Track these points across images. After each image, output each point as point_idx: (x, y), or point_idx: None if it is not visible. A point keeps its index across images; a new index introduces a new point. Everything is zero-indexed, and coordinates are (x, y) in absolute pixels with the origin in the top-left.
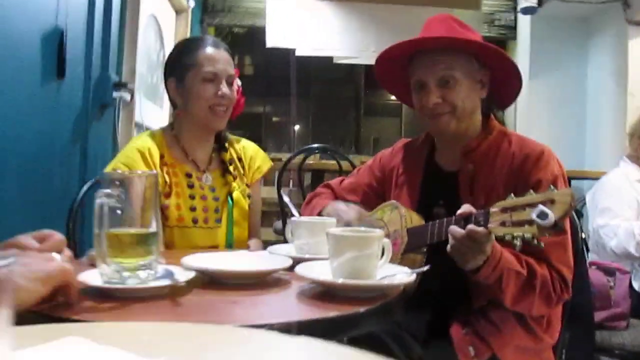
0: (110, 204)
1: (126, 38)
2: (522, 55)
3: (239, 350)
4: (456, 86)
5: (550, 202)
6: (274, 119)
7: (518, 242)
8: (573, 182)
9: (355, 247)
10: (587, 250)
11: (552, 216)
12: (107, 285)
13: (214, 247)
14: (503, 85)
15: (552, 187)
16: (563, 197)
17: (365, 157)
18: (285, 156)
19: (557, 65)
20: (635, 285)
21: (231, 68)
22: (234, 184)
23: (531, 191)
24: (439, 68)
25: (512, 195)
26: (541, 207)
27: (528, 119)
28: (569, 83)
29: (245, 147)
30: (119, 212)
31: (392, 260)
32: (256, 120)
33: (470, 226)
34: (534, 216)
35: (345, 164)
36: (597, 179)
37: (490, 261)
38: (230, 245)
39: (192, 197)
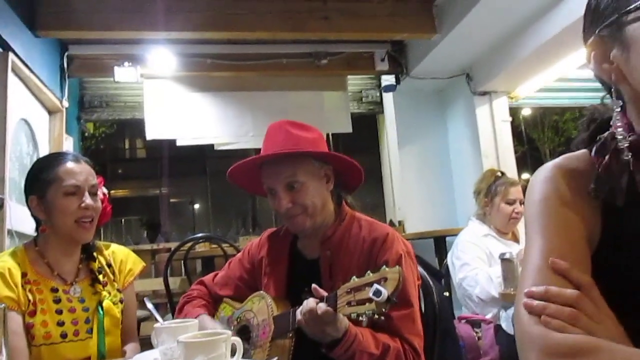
0: None
1: None
2: (390, 127)
3: None
4: (302, 188)
5: (384, 280)
6: (172, 199)
7: (364, 319)
8: (448, 238)
9: (203, 351)
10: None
11: (385, 293)
12: None
13: (87, 359)
14: (347, 173)
15: (384, 266)
16: (393, 275)
17: (257, 237)
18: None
19: (422, 134)
20: (504, 325)
21: (93, 178)
22: (104, 293)
23: (369, 272)
24: (283, 176)
25: (355, 276)
26: (376, 285)
27: (402, 186)
28: (434, 150)
29: (115, 252)
30: None
31: (262, 347)
32: (153, 203)
33: (320, 304)
34: (370, 294)
35: (230, 250)
36: None
37: (343, 343)
38: (103, 356)
39: (59, 312)
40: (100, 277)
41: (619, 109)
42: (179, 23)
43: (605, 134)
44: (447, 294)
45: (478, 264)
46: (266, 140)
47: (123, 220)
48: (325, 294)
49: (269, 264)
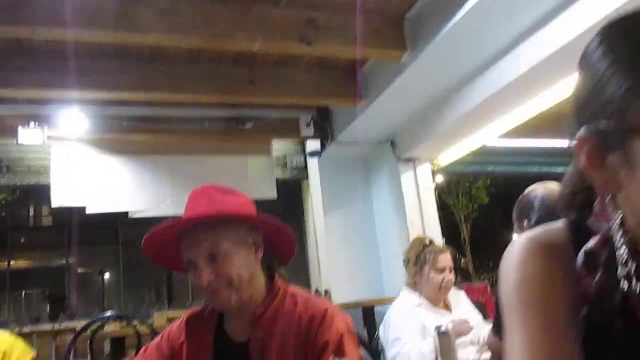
0: None
1: None
2: (315, 193)
3: None
4: (226, 258)
5: None
6: (79, 270)
7: None
8: (376, 308)
9: None
10: None
11: None
12: None
13: None
14: (279, 242)
15: (332, 357)
16: None
17: (174, 312)
18: (81, 324)
19: (347, 200)
20: None
21: None
22: None
23: None
24: (204, 246)
25: None
26: None
27: (328, 254)
28: (359, 217)
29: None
30: None
31: None
32: (58, 274)
33: None
34: None
35: (143, 329)
36: None
37: None
38: None
39: None
40: None
41: (619, 222)
42: (93, 83)
43: (593, 242)
44: None
45: (410, 337)
46: (187, 208)
47: (24, 293)
48: None
49: (190, 350)
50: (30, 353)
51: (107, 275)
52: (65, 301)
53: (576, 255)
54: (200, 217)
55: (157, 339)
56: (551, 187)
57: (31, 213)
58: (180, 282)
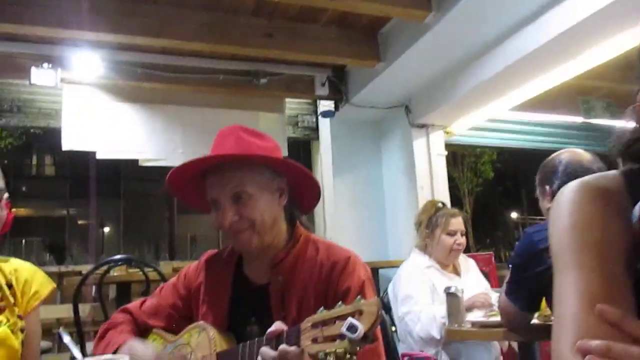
0: None
1: None
2: (325, 154)
3: None
4: (251, 201)
5: (359, 314)
6: (80, 221)
7: (332, 359)
8: (380, 271)
9: None
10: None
11: (361, 329)
12: None
13: None
14: (302, 190)
15: (359, 297)
16: (370, 307)
17: (178, 262)
18: (86, 268)
19: (357, 163)
20: None
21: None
22: (0, 318)
23: (340, 303)
24: (230, 186)
25: (322, 308)
26: (351, 319)
27: (334, 215)
28: (368, 180)
29: (18, 270)
30: None
31: None
32: (58, 224)
33: (282, 346)
34: (344, 330)
35: (153, 274)
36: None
37: None
38: None
39: None
40: None
41: None
42: (108, 25)
43: None
44: (393, 328)
45: (422, 296)
46: (213, 146)
47: (24, 241)
48: (285, 328)
49: (208, 290)
50: (51, 284)
51: (107, 229)
52: (65, 251)
53: (632, 203)
54: (228, 157)
55: (174, 279)
56: (578, 152)
57: (34, 162)
58: (180, 237)
